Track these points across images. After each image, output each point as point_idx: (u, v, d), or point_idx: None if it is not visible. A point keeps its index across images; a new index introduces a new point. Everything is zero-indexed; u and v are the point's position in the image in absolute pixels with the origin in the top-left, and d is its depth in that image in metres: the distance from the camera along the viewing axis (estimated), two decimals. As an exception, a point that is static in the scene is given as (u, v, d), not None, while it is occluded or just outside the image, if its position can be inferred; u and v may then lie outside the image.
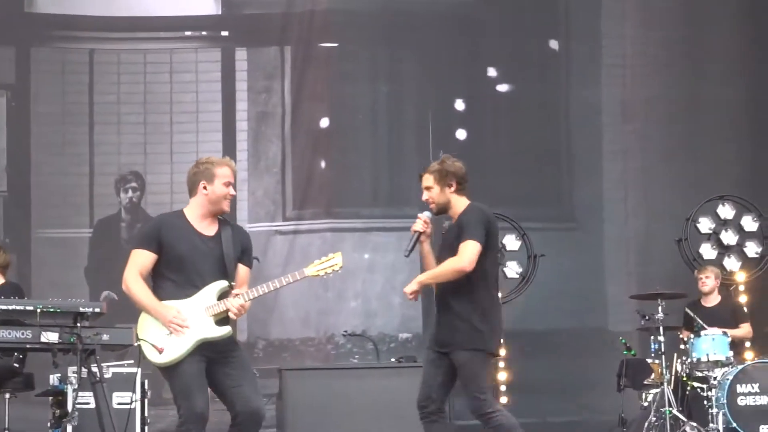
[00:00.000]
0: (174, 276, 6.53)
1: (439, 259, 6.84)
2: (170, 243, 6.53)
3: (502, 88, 12.34)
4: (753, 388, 9.48)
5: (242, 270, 6.69)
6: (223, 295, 6.56)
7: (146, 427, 9.54)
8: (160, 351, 6.46)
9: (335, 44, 12.26)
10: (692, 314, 10.15)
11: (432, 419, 6.87)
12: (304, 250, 11.45)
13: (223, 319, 6.57)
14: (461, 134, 12.04)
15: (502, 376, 10.73)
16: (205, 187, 6.62)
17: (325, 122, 12.04)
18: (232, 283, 6.60)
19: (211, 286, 6.55)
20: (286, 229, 11.73)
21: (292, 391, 9.10)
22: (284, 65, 12.09)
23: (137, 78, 11.94)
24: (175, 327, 6.43)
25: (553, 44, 12.46)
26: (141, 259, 6.56)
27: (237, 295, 6.52)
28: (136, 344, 6.69)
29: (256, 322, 11.42)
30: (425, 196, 6.90)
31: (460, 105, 12.12)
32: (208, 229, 6.64)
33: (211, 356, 6.55)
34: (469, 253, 6.69)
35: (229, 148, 11.69)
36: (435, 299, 6.89)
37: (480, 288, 6.80)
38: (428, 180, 6.92)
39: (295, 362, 10.82)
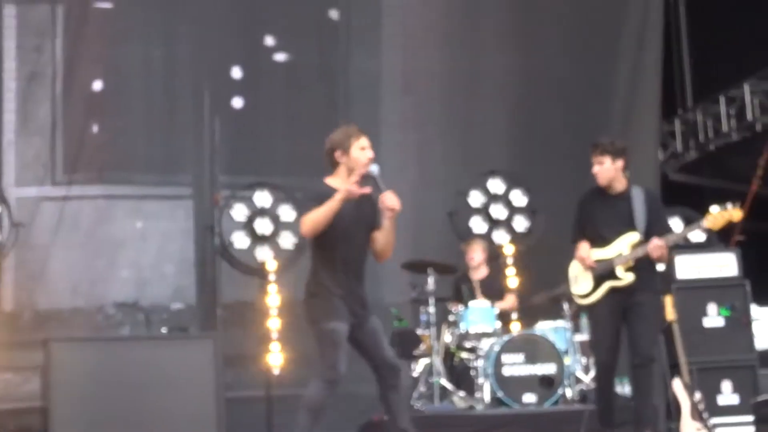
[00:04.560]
0: None
1: (353, 227, 7.05)
2: None
3: (280, 57, 12.46)
4: (518, 358, 9.91)
5: None
6: None
7: None
8: None
9: (110, 5, 12.18)
10: (462, 287, 10.65)
11: None
12: (75, 216, 11.39)
13: None
14: (238, 102, 12.15)
15: (275, 346, 10.98)
16: None
17: (98, 85, 11.93)
18: None
19: None
20: (56, 194, 11.56)
21: (58, 362, 9.09)
22: (56, 24, 11.93)
23: None
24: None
25: (333, 14, 12.64)
26: None
27: None
28: None
29: (22, 290, 11.28)
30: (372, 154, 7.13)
31: (237, 72, 12.21)
32: None
33: None
34: None
35: (-5, 108, 11.53)
36: (349, 268, 7.10)
37: None
38: None
39: (63, 333, 10.76)
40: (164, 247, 11.58)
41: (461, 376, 10.28)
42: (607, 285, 7.96)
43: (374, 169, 7.01)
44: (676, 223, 11.44)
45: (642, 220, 7.95)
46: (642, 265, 7.93)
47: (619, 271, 7.93)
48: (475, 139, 12.59)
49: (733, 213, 7.94)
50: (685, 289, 10.29)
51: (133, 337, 10.72)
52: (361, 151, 7.04)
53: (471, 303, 10.33)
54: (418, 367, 10.34)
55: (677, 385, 8.44)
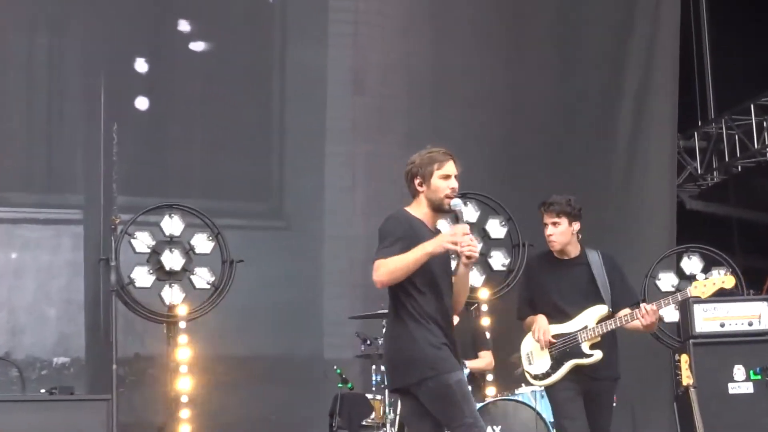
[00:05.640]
0: None
1: (444, 274, 7.14)
2: None
3: (197, 46, 12.47)
4: (494, 430, 9.79)
5: None
6: None
7: None
8: None
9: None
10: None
11: None
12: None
13: None
14: (142, 103, 12.13)
15: (185, 414, 10.78)
16: None
17: (-35, 81, 11.86)
18: None
19: None
20: None
21: None
22: None
23: None
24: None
25: (267, -7, 12.69)
26: None
27: None
28: None
29: None
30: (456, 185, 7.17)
31: (141, 66, 12.18)
32: None
33: None
34: None
35: None
36: (442, 316, 7.13)
37: None
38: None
39: None
40: (45, 285, 11.54)
41: (422, 453, 10.10)
42: (571, 363, 8.21)
43: (457, 203, 7.06)
44: (695, 264, 11.39)
45: (606, 288, 8.24)
46: (605, 342, 8.18)
47: (585, 347, 8.19)
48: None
49: (725, 280, 8.22)
50: (705, 346, 10.29)
51: (3, 398, 10.46)
52: (442, 180, 7.06)
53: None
54: (368, 442, 10.17)
55: (696, 465, 8.39)
